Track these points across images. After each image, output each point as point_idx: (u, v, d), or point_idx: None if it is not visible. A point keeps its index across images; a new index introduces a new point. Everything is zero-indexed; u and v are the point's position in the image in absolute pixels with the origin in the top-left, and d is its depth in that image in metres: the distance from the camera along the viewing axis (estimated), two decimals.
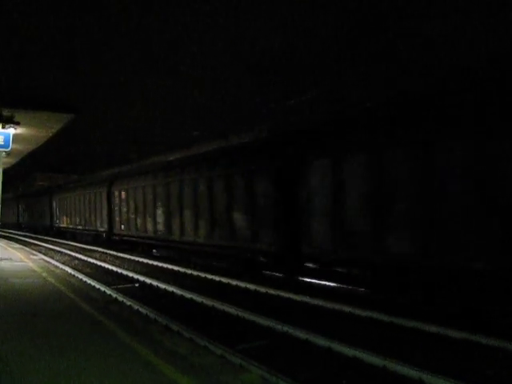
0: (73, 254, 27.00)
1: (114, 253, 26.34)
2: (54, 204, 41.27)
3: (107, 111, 14.09)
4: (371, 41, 8.18)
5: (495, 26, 7.41)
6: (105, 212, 29.75)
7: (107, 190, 29.18)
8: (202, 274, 17.47)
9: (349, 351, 8.30)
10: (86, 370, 6.21)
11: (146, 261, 22.23)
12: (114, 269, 20.01)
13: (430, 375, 6.97)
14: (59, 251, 29.11)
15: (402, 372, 7.34)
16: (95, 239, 32.38)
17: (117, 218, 28.11)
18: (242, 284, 15.08)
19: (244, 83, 10.96)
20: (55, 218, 41.51)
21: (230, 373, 6.48)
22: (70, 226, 37.54)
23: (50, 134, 16.11)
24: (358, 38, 8.05)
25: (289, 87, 11.12)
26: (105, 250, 27.86)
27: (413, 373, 7.18)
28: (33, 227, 49.46)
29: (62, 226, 40.01)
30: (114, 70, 10.13)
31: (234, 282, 15.53)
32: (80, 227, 35.16)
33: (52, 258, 24.49)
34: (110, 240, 29.70)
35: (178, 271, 18.99)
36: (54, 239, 38.82)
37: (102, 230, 30.76)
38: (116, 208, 28.10)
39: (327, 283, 14.32)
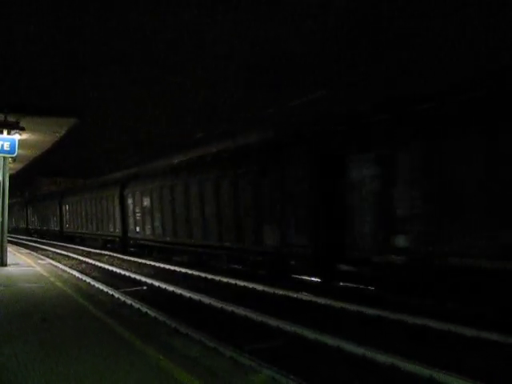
0: (80, 257, 27.08)
1: (121, 256, 26.42)
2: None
3: (110, 114, 14.11)
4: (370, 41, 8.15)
5: (495, 25, 7.37)
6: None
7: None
8: (209, 276, 17.48)
9: (358, 350, 8.30)
10: (95, 373, 6.21)
11: (153, 263, 22.28)
12: (122, 272, 20.05)
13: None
14: (66, 255, 29.20)
15: (410, 369, 7.34)
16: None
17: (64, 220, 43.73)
18: (250, 285, 15.09)
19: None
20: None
21: (241, 374, 6.47)
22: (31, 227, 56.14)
23: (55, 139, 16.15)
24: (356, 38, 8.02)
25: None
26: (112, 254, 27.96)
27: (423, 371, 7.19)
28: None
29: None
30: (116, 72, 10.14)
31: (241, 283, 15.54)
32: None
33: (59, 262, 24.54)
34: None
35: (186, 273, 19.01)
36: (61, 243, 38.94)
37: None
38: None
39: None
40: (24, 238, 50.99)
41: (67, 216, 40.84)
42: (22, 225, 58.22)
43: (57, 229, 43.82)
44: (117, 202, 28.78)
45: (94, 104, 12.81)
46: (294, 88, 11.21)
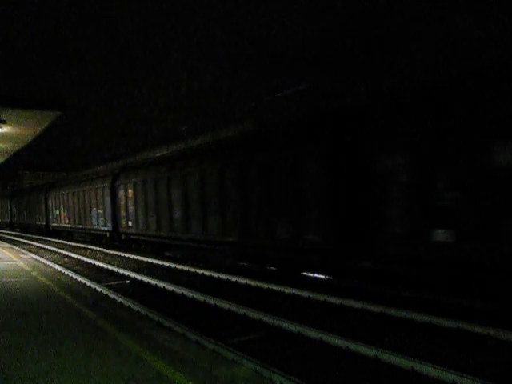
0: (63, 252, 26.88)
1: (105, 250, 26.26)
2: None
3: (95, 107, 14.00)
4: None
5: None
6: None
7: None
8: (192, 269, 17.45)
9: (342, 343, 8.34)
10: (77, 366, 6.20)
11: (136, 257, 22.17)
12: (105, 266, 19.94)
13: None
14: (49, 249, 28.98)
15: (391, 361, 7.39)
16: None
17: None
18: (233, 278, 15.08)
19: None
20: None
21: (223, 367, 6.48)
22: None
23: (38, 132, 15.99)
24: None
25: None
26: (95, 248, 27.78)
27: (404, 363, 7.23)
28: None
29: None
30: (102, 65, 10.06)
31: (224, 277, 15.53)
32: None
33: (42, 256, 24.38)
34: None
35: (169, 267, 18.96)
36: (44, 238, 38.65)
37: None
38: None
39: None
40: (5, 232, 50.41)
41: (129, 209, 24.50)
42: (40, 221, 41.24)
43: (105, 228, 27.51)
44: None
45: (80, 98, 12.71)
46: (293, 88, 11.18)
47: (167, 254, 22.18)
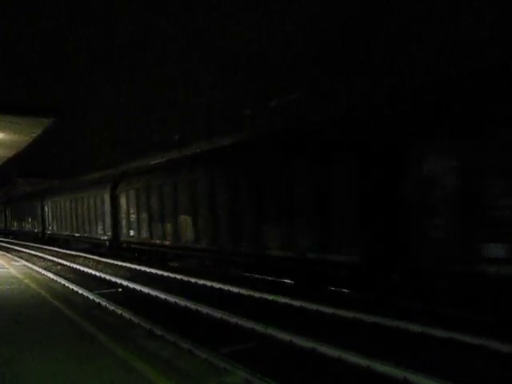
0: (55, 259, 26.80)
1: (97, 258, 26.20)
2: None
3: (89, 114, 14.01)
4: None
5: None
6: None
7: None
8: (185, 278, 17.43)
9: (333, 352, 8.35)
10: (69, 375, 6.18)
11: (129, 265, 22.13)
12: (97, 274, 19.89)
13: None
14: (41, 257, 28.88)
15: (385, 371, 7.40)
16: None
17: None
18: (226, 287, 15.08)
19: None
20: None
21: (215, 376, 6.48)
22: None
23: (31, 139, 15.93)
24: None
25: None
26: (88, 256, 27.70)
27: (396, 371, 7.26)
28: None
29: None
30: (95, 71, 10.08)
31: (217, 285, 15.52)
32: None
33: (34, 264, 24.28)
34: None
35: (162, 275, 18.93)
36: (36, 245, 38.53)
37: None
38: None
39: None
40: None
41: (49, 218, 38.76)
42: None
43: (36, 230, 42.12)
44: None
45: (73, 104, 12.71)
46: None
47: (73, 246, 33.46)
